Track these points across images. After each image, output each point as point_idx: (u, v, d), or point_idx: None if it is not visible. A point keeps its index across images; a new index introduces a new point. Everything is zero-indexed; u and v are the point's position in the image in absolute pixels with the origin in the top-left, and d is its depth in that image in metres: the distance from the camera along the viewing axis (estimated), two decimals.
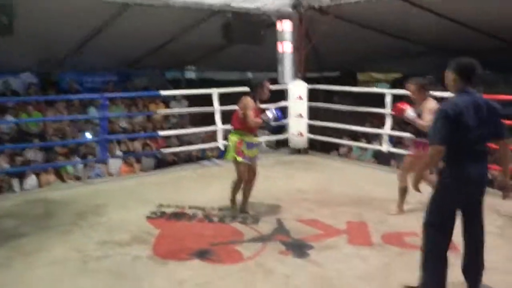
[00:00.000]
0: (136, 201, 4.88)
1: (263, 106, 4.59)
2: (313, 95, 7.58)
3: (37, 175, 6.86)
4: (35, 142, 7.70)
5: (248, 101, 4.18)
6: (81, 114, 8.86)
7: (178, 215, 4.42)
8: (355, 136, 8.78)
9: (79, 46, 8.48)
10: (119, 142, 8.21)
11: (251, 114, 4.14)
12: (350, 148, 8.88)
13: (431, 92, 4.22)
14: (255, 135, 4.40)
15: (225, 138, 8.55)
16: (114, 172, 7.52)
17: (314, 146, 7.74)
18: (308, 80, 7.60)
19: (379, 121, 9.53)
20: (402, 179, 4.36)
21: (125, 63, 10.59)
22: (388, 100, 6.30)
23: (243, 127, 4.22)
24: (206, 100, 6.91)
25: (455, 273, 3.11)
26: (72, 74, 10.33)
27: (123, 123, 9.21)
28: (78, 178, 7.21)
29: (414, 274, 3.12)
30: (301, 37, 7.50)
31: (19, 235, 3.96)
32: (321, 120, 7.29)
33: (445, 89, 2.90)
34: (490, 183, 5.98)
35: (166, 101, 10.32)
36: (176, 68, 12.24)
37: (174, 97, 10.25)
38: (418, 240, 3.67)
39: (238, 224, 4.17)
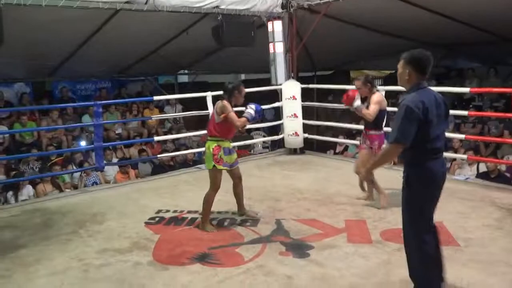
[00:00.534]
0: (134, 208, 4.88)
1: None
2: (307, 95, 7.61)
3: (34, 185, 6.83)
4: (30, 152, 7.66)
5: (226, 104, 4.01)
6: (76, 122, 8.84)
7: (176, 220, 4.42)
8: (350, 134, 8.82)
9: (70, 54, 8.45)
10: (115, 149, 8.20)
11: (234, 116, 4.00)
12: (346, 147, 8.92)
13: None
14: (231, 141, 4.26)
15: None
16: (111, 180, 7.50)
17: (310, 146, 7.76)
18: (301, 80, 7.64)
19: None
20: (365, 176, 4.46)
21: (117, 70, 10.57)
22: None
23: (220, 133, 4.06)
24: (201, 103, 6.91)
25: (452, 270, 3.14)
26: (65, 83, 10.30)
27: (118, 130, 9.19)
28: (75, 187, 7.19)
29: None
30: (293, 37, 7.53)
31: (18, 246, 3.94)
32: (316, 119, 7.31)
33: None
34: (486, 176, 6.07)
35: (160, 106, 10.31)
36: (169, 73, 12.23)
37: (168, 102, 10.25)
38: None
39: (237, 227, 4.18)
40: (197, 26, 7.71)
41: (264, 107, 8.21)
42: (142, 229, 4.23)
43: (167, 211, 4.68)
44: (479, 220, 4.09)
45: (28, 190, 6.63)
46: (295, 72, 7.65)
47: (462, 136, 6.28)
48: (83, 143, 8.43)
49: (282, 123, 7.52)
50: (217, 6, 6.62)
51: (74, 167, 7.50)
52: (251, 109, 4.09)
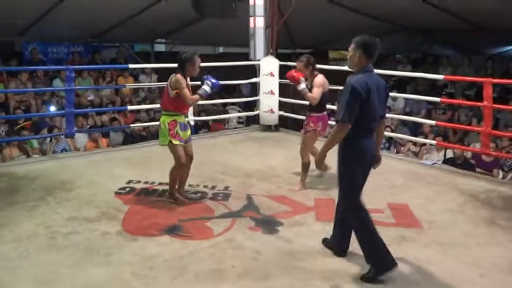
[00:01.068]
0: (104, 177, 4.82)
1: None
2: (284, 72, 7.57)
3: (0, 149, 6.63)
4: None
5: (179, 79, 3.81)
6: (46, 86, 8.55)
7: (147, 192, 4.40)
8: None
9: (42, 15, 8.10)
10: (86, 116, 8.01)
11: (186, 93, 3.83)
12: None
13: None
14: (186, 115, 4.08)
15: (198, 113, 8.53)
16: (81, 147, 7.36)
17: (284, 123, 7.79)
18: (280, 57, 7.58)
19: None
20: (304, 155, 4.60)
21: (92, 34, 10.23)
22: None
23: (175, 108, 3.90)
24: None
25: (413, 250, 3.27)
26: (36, 44, 9.91)
27: (90, 96, 8.96)
28: (43, 153, 7.02)
29: None
30: (274, 12, 7.43)
31: None
32: (292, 97, 7.31)
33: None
34: (453, 161, 6.27)
35: (135, 75, 10.09)
36: (146, 41, 11.93)
37: (143, 71, 10.02)
38: (383, 217, 3.85)
39: (208, 201, 4.20)
40: None
41: (240, 82, 8.24)
42: (112, 198, 4.19)
43: (138, 182, 4.64)
44: (443, 204, 4.24)
45: None
46: (274, 48, 7.59)
47: (433, 122, 6.43)
48: (52, 108, 8.20)
49: (258, 99, 7.50)
50: None
51: (43, 133, 7.30)
52: (207, 86, 3.91)
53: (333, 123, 4.23)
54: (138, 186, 4.54)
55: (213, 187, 4.55)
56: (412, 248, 3.30)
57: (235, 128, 9.04)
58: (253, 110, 7.95)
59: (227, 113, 9.72)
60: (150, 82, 9.73)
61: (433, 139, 6.73)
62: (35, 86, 8.38)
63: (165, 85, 4.01)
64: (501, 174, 6.37)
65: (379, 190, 4.42)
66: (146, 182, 4.63)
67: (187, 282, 2.80)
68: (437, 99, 6.37)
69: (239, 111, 9.93)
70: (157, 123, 7.62)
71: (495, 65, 10.38)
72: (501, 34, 9.61)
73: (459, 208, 4.17)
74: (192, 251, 3.20)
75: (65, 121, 6.13)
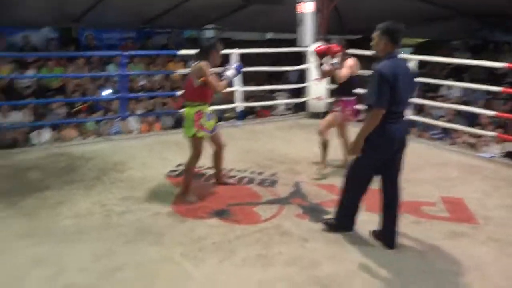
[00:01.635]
0: (156, 159, 4.97)
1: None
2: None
3: (59, 130, 6.99)
4: (56, 98, 7.80)
5: (204, 66, 3.64)
6: (101, 70, 8.88)
7: (196, 175, 4.48)
8: None
9: (97, 1, 8.38)
10: (138, 100, 8.26)
11: (213, 80, 3.68)
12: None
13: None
14: (211, 105, 3.97)
15: (246, 99, 8.57)
16: (133, 130, 7.60)
17: None
18: (328, 43, 7.43)
19: None
20: (323, 133, 4.54)
21: (144, 21, 10.47)
22: (411, 66, 6.15)
23: (200, 97, 3.73)
24: (225, 60, 6.82)
25: (468, 247, 3.14)
26: (91, 30, 10.28)
27: (142, 81, 9.22)
28: (98, 134, 7.32)
29: (429, 243, 3.17)
30: None
31: (44, 187, 4.09)
32: None
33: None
34: None
35: (185, 60, 10.24)
36: (195, 27, 12.06)
37: (192, 57, 10.15)
38: (435, 210, 3.73)
39: (256, 186, 4.23)
40: None
41: (288, 68, 8.16)
42: (163, 180, 4.32)
43: None
44: (501, 199, 4.03)
45: (48, 134, 6.81)
46: (324, 34, 7.44)
47: (493, 112, 6.10)
48: (107, 92, 8.51)
49: (306, 86, 7.42)
50: None
51: (99, 116, 7.61)
52: (231, 70, 3.81)
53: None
54: None
55: (260, 173, 4.57)
56: (467, 245, 3.17)
57: (283, 114, 9.00)
58: (301, 97, 7.87)
59: (275, 99, 9.68)
60: None
61: (493, 130, 6.39)
62: (91, 71, 8.72)
63: (213, 71, 3.94)
64: None
65: (432, 182, 4.27)
66: None
67: (235, 266, 2.84)
68: (499, 89, 6.02)
69: (287, 98, 9.86)
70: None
71: None
72: None
73: None
74: (239, 235, 3.24)
75: (119, 105, 6.35)
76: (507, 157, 5.87)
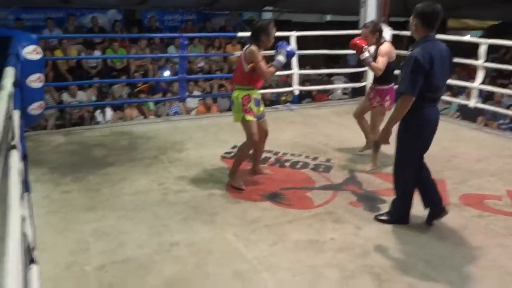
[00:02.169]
0: (212, 140, 5.07)
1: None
2: (397, 42, 7.12)
3: (121, 109, 7.32)
4: (121, 78, 8.15)
5: (254, 51, 3.51)
6: (162, 52, 9.15)
7: (250, 158, 4.52)
8: None
9: None
10: (196, 81, 8.43)
11: (263, 66, 3.52)
12: None
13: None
14: (259, 89, 3.82)
15: (302, 83, 8.48)
16: (191, 111, 7.80)
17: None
18: (392, 25, 7.13)
19: (467, 73, 8.85)
20: (375, 133, 4.23)
21: (204, 3, 10.58)
22: (482, 50, 5.77)
23: (249, 82, 3.62)
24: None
25: None
26: (154, 12, 10.57)
27: (201, 63, 9.39)
28: (157, 115, 7.59)
29: (493, 238, 3.01)
30: None
31: (107, 164, 4.31)
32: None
33: None
34: None
35: (243, 42, 10.28)
36: (254, 9, 12.03)
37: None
38: (501, 205, 3.52)
39: (310, 171, 4.20)
40: None
41: (347, 52, 7.93)
42: (218, 162, 4.40)
43: None
44: None
45: (110, 113, 7.16)
46: (387, 16, 7.14)
47: None
48: (167, 73, 8.77)
49: (365, 71, 7.19)
50: None
51: (159, 96, 7.87)
52: (281, 55, 3.60)
53: None
54: None
55: (314, 158, 4.53)
56: None
57: (340, 99, 8.83)
58: (359, 81, 7.66)
59: (332, 83, 9.50)
60: None
61: None
62: (152, 52, 9.01)
63: (270, 53, 3.88)
64: None
65: (498, 175, 4.03)
66: None
67: (286, 250, 2.85)
68: None
69: (345, 82, 9.65)
70: (263, 91, 7.78)
71: None
72: None
73: None
74: (291, 220, 3.24)
75: (178, 86, 6.52)
76: None
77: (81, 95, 7.62)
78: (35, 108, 4.77)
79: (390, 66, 4.09)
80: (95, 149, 4.79)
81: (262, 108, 3.80)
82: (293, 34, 6.58)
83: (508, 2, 9.31)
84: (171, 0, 10.14)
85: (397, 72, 3.69)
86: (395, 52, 4.16)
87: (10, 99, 2.54)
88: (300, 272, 2.60)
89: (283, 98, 8.67)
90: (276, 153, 4.63)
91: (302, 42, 6.62)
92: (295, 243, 2.92)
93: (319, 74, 9.66)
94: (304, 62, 7.99)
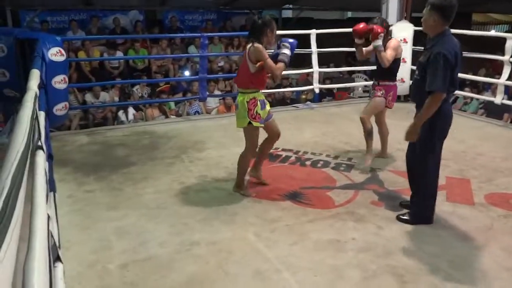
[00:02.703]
0: (232, 140, 5.07)
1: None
2: (419, 38, 7.00)
3: (143, 109, 7.42)
4: (142, 78, 8.26)
5: (261, 48, 3.28)
6: (182, 52, 9.22)
7: (271, 157, 4.52)
8: (461, 84, 8.06)
9: None
10: (216, 80, 8.47)
11: (271, 63, 3.30)
12: (456, 97, 8.22)
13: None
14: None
15: (323, 81, 8.42)
16: (212, 110, 7.84)
17: None
18: (414, 21, 7.00)
19: (493, 69, 8.63)
20: (367, 121, 4.18)
21: (224, 2, 10.62)
22: (508, 45, 5.61)
23: (255, 84, 3.40)
24: (304, 40, 6.72)
25: None
26: (175, 12, 10.67)
27: (221, 63, 9.42)
28: (178, 114, 7.66)
29: None
30: None
31: (129, 163, 4.37)
32: None
33: None
34: None
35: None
36: (274, 7, 12.01)
37: None
38: None
39: (331, 170, 4.17)
40: None
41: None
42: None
43: None
44: None
45: (132, 112, 7.27)
46: (409, 12, 7.02)
47: None
48: (187, 73, 8.84)
49: None
50: None
51: (180, 96, 7.94)
52: (286, 48, 3.37)
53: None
54: None
55: (335, 157, 4.49)
56: None
57: (361, 97, 8.73)
58: None
59: (353, 81, 9.41)
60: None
61: None
62: (173, 52, 9.10)
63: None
64: None
65: None
66: None
67: (307, 249, 2.84)
68: None
69: (366, 80, 9.53)
70: (284, 90, 7.77)
71: None
72: None
73: None
74: (312, 219, 3.22)
75: (199, 86, 6.56)
76: None
77: (104, 96, 7.76)
78: (60, 109, 4.88)
79: (396, 63, 4.09)
80: (118, 148, 4.86)
81: (268, 107, 3.57)
82: (313, 32, 6.54)
83: None
84: (191, 0, 10.21)
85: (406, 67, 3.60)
86: (402, 49, 4.18)
87: (36, 101, 2.60)
88: (321, 272, 2.58)
89: (304, 96, 8.63)
90: (296, 152, 4.61)
91: (324, 40, 6.58)
92: (315, 243, 2.91)
93: (340, 72, 9.57)
94: (326, 60, 7.94)
